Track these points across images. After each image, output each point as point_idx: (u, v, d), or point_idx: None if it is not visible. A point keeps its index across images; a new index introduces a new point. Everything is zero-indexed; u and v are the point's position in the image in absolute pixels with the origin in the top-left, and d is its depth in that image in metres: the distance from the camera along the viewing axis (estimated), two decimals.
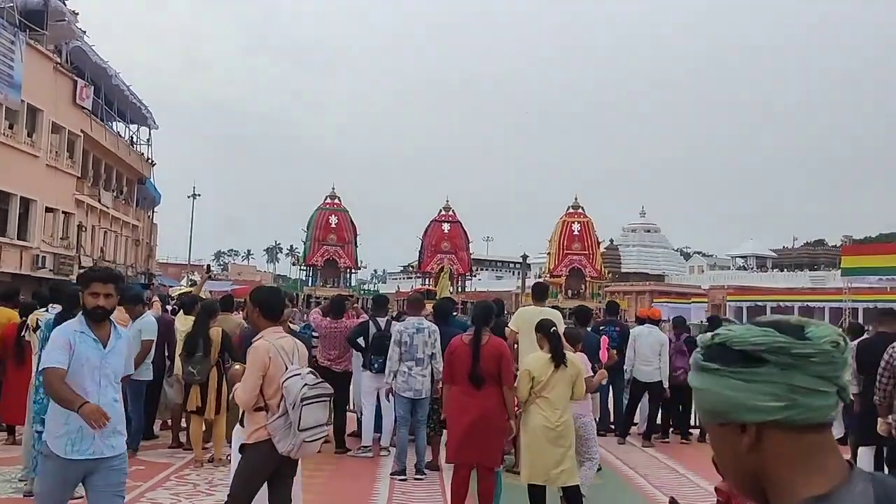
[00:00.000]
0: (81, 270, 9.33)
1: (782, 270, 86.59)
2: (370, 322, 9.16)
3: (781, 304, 63.30)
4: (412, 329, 8.17)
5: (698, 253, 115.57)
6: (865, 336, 8.43)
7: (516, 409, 6.14)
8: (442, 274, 34.11)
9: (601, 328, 9.23)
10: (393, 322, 9.11)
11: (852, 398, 7.47)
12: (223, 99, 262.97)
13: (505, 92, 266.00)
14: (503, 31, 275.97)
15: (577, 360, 6.29)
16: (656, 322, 10.63)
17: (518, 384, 6.05)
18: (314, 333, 9.46)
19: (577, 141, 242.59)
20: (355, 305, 11.41)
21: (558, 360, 6.01)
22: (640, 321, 10.94)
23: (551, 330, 6.23)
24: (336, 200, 59.47)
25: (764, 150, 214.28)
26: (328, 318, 9.40)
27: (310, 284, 58.28)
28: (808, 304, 61.54)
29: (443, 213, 62.76)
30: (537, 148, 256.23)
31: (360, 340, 9.02)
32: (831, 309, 57.42)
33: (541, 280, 61.38)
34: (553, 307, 8.76)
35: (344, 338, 9.09)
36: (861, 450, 7.38)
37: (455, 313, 10.81)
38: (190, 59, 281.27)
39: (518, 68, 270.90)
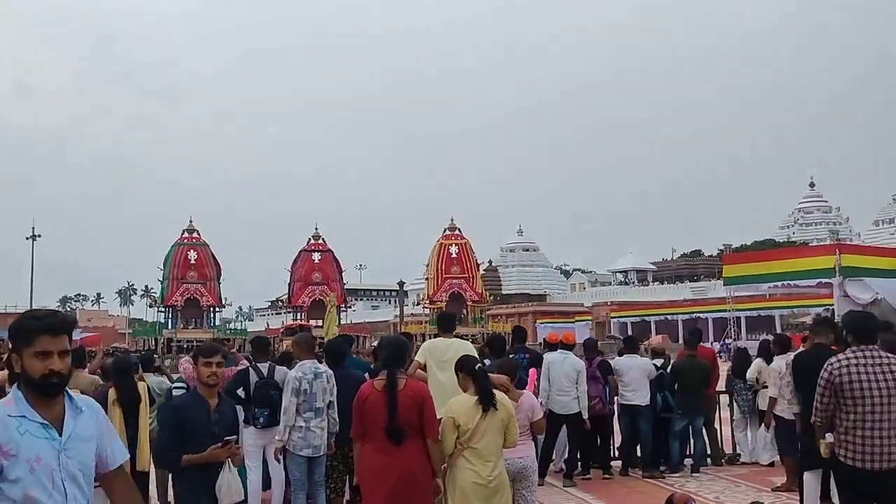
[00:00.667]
0: None
1: (663, 283, 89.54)
2: (250, 369, 8.18)
3: (666, 317, 65.29)
4: (310, 375, 7.30)
5: (578, 270, 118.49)
6: (801, 349, 8.11)
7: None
8: (329, 308, 32.39)
9: (511, 356, 8.58)
10: (275, 367, 8.16)
11: (793, 417, 7.19)
12: (57, 130, 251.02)
13: (367, 114, 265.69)
14: (360, 53, 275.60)
15: (507, 400, 5.61)
16: (569, 347, 10.09)
17: (442, 435, 5.31)
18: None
19: (449, 163, 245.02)
20: (232, 351, 10.21)
21: (487, 402, 5.32)
22: (551, 346, 10.38)
23: (476, 367, 5.53)
24: (194, 234, 57.61)
25: (635, 162, 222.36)
26: None
27: (170, 327, 56.07)
28: (692, 315, 63.66)
29: (312, 242, 61.94)
30: (408, 171, 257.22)
31: (241, 392, 7.99)
32: (715, 320, 59.66)
33: (443, 309, 61.03)
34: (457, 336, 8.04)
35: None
36: (806, 475, 7.11)
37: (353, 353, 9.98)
38: (17, 87, 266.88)
39: (381, 90, 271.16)
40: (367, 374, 7.58)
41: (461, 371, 5.61)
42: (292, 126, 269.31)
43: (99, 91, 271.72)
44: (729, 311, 38.32)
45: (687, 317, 64.00)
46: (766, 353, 10.42)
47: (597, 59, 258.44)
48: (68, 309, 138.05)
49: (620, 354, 11.07)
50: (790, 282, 26.70)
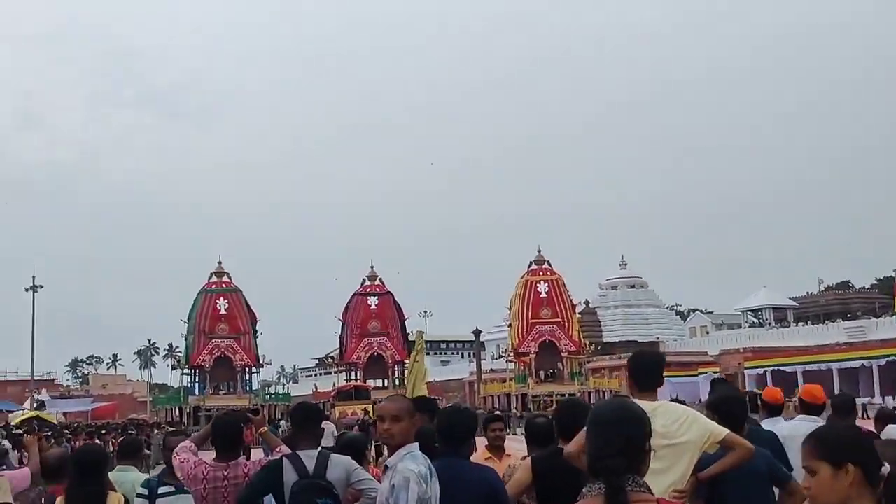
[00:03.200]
0: None
1: (807, 323, 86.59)
2: (285, 461, 6.16)
3: (818, 366, 62.59)
4: (428, 472, 5.36)
5: (698, 310, 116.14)
6: None
7: None
8: (416, 351, 27.48)
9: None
10: (329, 458, 6.14)
11: None
12: (65, 164, 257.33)
13: (421, 126, 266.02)
14: (413, 65, 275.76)
15: None
16: (818, 409, 7.54)
17: None
18: (177, 487, 6.85)
19: (530, 179, 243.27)
20: (262, 430, 7.98)
21: None
22: (772, 409, 7.91)
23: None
24: (224, 278, 57.55)
25: (756, 184, 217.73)
26: (211, 461, 6.28)
27: (197, 392, 55.69)
28: (850, 363, 60.99)
29: (367, 283, 61.40)
30: (480, 189, 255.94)
31: (270, 502, 5.98)
32: (882, 367, 56.94)
33: (532, 360, 58.89)
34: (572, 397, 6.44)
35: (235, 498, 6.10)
36: None
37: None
38: (19, 115, 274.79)
39: (439, 98, 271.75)
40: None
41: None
42: (334, 149, 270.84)
43: (114, 117, 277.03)
44: None
45: (843, 365, 61.45)
46: None
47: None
48: (79, 374, 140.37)
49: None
50: None
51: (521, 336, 55.85)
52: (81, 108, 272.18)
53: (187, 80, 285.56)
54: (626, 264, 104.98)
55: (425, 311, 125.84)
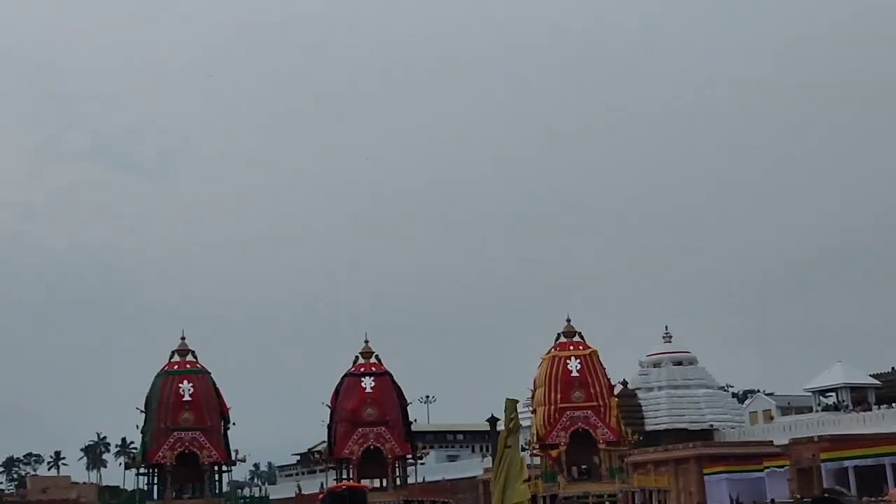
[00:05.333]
0: None
1: (891, 405, 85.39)
2: None
3: None
4: None
5: (758, 391, 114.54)
6: None
7: None
8: (509, 426, 18.93)
9: None
10: None
11: None
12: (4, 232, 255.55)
13: (418, 180, 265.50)
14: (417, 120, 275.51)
15: None
16: None
17: None
18: None
19: (549, 240, 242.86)
20: None
21: None
22: None
23: None
24: (189, 358, 56.28)
25: (823, 240, 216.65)
26: None
27: (156, 496, 54.39)
28: None
29: (361, 362, 60.10)
30: (492, 249, 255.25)
31: None
32: None
33: (562, 454, 57.71)
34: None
35: None
36: None
37: None
38: None
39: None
40: None
41: None
42: (315, 202, 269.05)
43: (57, 171, 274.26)
44: None
45: None
46: None
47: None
48: (14, 475, 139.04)
49: None
50: None
51: (548, 424, 54.40)
52: (16, 163, 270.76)
53: (142, 126, 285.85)
54: (670, 337, 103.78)
55: (427, 397, 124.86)
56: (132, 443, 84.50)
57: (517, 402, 20.29)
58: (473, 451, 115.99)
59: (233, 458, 53.88)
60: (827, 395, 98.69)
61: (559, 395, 56.08)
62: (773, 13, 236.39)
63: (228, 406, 54.17)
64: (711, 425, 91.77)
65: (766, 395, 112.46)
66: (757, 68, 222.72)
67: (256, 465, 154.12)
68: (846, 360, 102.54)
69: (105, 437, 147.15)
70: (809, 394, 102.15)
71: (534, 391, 58.45)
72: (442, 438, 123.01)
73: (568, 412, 55.18)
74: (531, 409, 59.96)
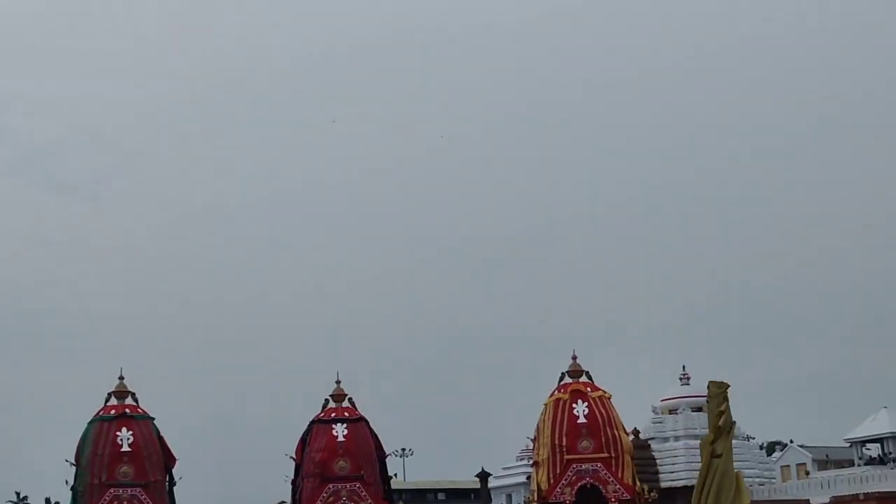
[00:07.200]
0: None
1: None
2: None
3: None
4: None
5: (791, 443, 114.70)
6: None
7: None
8: (719, 407, 17.65)
9: None
10: None
11: None
12: None
13: (398, 195, 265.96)
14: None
15: None
16: None
17: None
18: None
19: (545, 269, 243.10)
20: None
21: None
22: None
23: None
24: (128, 401, 55.01)
25: (861, 265, 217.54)
26: None
27: None
28: None
29: (331, 406, 59.14)
30: (480, 274, 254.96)
31: None
32: None
33: None
34: None
35: None
36: None
37: None
38: None
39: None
40: None
41: None
42: (275, 222, 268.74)
43: None
44: None
45: None
46: None
47: None
48: None
49: None
50: None
51: (551, 477, 53.60)
52: None
53: (79, 136, 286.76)
54: (688, 378, 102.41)
55: (403, 450, 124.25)
56: (58, 502, 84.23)
57: (728, 386, 18.33)
58: None
59: None
60: (869, 446, 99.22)
61: (564, 445, 55.58)
62: None
63: (175, 458, 53.81)
64: None
65: (800, 446, 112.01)
66: None
67: None
68: (892, 405, 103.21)
69: (26, 497, 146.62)
70: (849, 445, 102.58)
71: (534, 441, 58.14)
72: (421, 498, 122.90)
73: (574, 465, 53.87)
74: (529, 461, 59.64)
